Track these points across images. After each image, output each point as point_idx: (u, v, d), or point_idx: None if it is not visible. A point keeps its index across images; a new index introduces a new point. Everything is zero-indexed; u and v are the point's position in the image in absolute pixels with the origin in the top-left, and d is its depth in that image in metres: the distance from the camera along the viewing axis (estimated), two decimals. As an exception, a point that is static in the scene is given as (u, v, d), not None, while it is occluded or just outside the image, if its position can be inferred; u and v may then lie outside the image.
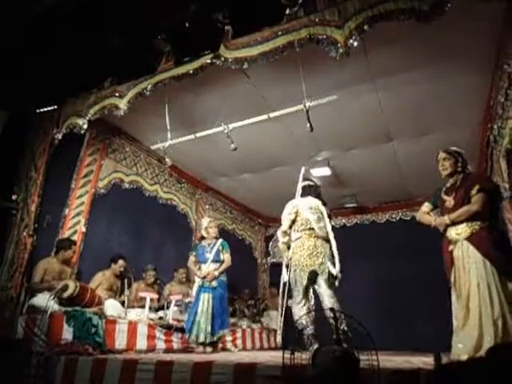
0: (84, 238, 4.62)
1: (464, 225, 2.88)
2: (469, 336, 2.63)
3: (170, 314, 4.63)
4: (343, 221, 8.22)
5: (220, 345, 4.82)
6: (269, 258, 8.74)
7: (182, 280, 5.50)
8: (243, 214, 8.26)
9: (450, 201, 3.02)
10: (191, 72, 3.59)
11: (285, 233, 4.06)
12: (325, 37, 3.05)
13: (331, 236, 4.02)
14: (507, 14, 3.04)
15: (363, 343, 1.87)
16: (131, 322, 4.04)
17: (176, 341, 4.49)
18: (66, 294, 3.56)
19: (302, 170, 4.54)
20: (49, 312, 3.29)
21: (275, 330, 6.71)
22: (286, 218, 4.15)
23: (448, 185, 3.08)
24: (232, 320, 5.78)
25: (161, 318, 4.64)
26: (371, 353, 1.80)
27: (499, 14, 3.14)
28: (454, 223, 2.94)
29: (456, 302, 2.96)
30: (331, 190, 7.07)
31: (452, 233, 2.95)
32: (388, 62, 3.84)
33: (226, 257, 4.89)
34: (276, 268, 8.71)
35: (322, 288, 3.76)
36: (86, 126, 4.17)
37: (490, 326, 2.56)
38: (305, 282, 3.75)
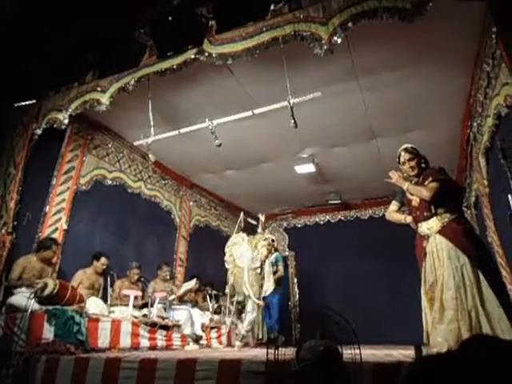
0: (65, 235, 4.52)
1: (434, 219, 2.94)
2: (447, 330, 2.68)
3: (155, 312, 4.60)
4: (327, 217, 8.31)
5: (205, 342, 4.92)
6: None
7: (166, 277, 5.45)
8: (228, 211, 8.25)
9: (415, 199, 3.07)
10: (175, 67, 3.55)
11: None
12: (309, 33, 3.06)
13: None
14: (486, 15, 3.09)
15: (346, 337, 1.90)
16: (114, 320, 3.99)
17: (160, 338, 4.46)
18: (45, 293, 3.49)
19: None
20: (29, 311, 3.21)
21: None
22: None
23: (413, 183, 3.12)
24: (216, 317, 5.77)
25: (145, 315, 4.60)
26: (354, 347, 1.82)
27: (478, 14, 3.20)
28: (424, 219, 2.99)
29: (424, 297, 3.01)
30: (315, 186, 7.14)
31: (424, 228, 3.00)
32: (371, 61, 3.88)
33: (280, 269, 5.66)
34: (261, 265, 8.74)
35: None
36: (66, 121, 4.09)
37: (465, 318, 2.62)
38: None
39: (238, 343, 4.64)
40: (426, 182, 2.98)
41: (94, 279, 4.57)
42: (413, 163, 3.13)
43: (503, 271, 4.03)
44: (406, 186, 3.05)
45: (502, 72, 3.19)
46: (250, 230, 5.32)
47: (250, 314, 4.75)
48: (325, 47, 3.00)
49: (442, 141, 5.24)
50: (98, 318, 3.85)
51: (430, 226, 2.97)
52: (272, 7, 3.24)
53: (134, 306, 4.55)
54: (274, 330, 5.39)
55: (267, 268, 4.89)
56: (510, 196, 2.89)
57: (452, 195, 3.00)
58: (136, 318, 4.34)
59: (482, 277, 2.71)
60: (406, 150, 3.20)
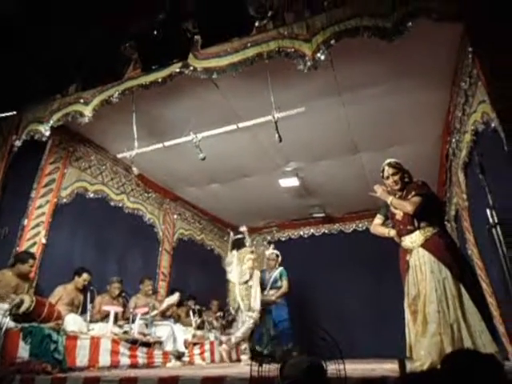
0: (44, 249, 4.40)
1: (417, 232, 2.99)
2: (431, 343, 2.69)
3: (136, 328, 4.48)
4: (311, 230, 8.33)
5: (188, 358, 4.86)
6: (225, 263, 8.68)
7: (148, 292, 5.34)
8: (212, 224, 8.19)
9: (398, 213, 3.12)
10: (160, 80, 3.55)
11: None
12: (293, 50, 3.11)
13: None
14: (463, 35, 3.21)
15: (331, 353, 1.88)
16: (94, 337, 3.87)
17: (141, 355, 4.34)
18: (21, 310, 3.36)
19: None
20: (3, 329, 3.09)
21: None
22: None
23: (396, 197, 3.17)
24: (199, 332, 5.68)
25: (125, 332, 4.47)
26: (338, 362, 1.81)
27: (456, 34, 3.32)
28: (407, 233, 3.03)
29: (407, 311, 3.03)
30: (300, 200, 7.17)
31: (407, 242, 3.04)
32: (354, 77, 3.96)
33: (284, 284, 5.69)
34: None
35: None
36: (48, 133, 4.02)
37: (448, 331, 2.64)
38: None
39: (243, 357, 4.76)
40: (409, 196, 3.04)
41: (74, 295, 4.44)
42: (396, 178, 3.18)
43: (483, 283, 4.10)
44: (390, 199, 3.09)
45: (479, 90, 3.31)
46: (242, 246, 5.35)
47: (242, 327, 4.79)
48: (308, 63, 3.05)
49: (423, 155, 5.36)
50: (76, 335, 3.73)
51: (413, 240, 3.01)
52: (257, 23, 3.29)
53: (115, 323, 4.43)
54: (286, 342, 5.36)
55: (255, 281, 4.88)
56: (488, 210, 2.95)
57: (434, 209, 3.06)
58: (116, 334, 4.22)
59: (463, 290, 2.75)
60: (389, 164, 3.26)
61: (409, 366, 2.57)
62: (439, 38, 3.36)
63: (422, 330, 2.78)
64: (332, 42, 3.00)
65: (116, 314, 4.52)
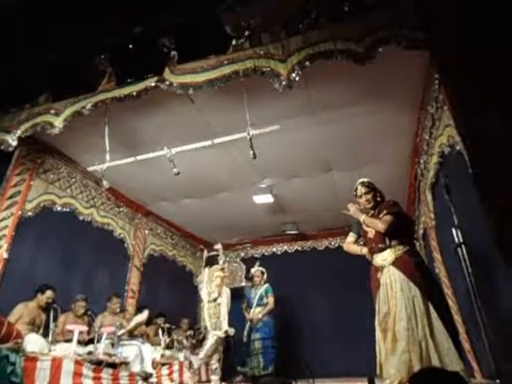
0: (5, 265, 4.18)
1: (388, 251, 3.06)
2: (400, 361, 2.72)
3: (101, 348, 4.29)
4: (285, 247, 8.35)
5: (155, 379, 4.69)
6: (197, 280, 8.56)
7: (116, 310, 5.15)
8: (185, 240, 8.06)
9: (370, 231, 3.19)
10: (135, 94, 3.51)
11: None
12: (269, 69, 3.16)
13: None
14: (430, 61, 3.38)
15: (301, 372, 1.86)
16: (55, 358, 3.67)
17: (106, 377, 4.13)
18: (-23, 330, 3.16)
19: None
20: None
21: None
22: None
23: (369, 215, 3.24)
24: (168, 352, 5.51)
25: (90, 352, 4.27)
26: (309, 382, 1.79)
27: (425, 60, 3.48)
28: (379, 251, 3.10)
29: (377, 328, 3.06)
30: (273, 217, 7.19)
31: (378, 260, 3.10)
32: (327, 97, 4.06)
33: (270, 300, 5.68)
34: (217, 296, 8.53)
35: None
36: (15, 144, 3.87)
37: (416, 348, 2.68)
38: None
39: (214, 377, 4.67)
40: (381, 215, 3.11)
41: (35, 314, 4.21)
42: (369, 196, 3.27)
43: (449, 301, 4.20)
44: (362, 218, 3.16)
45: (445, 114, 3.46)
46: (215, 263, 5.32)
47: (204, 348, 4.61)
48: (283, 83, 3.11)
49: (393, 175, 5.52)
50: (36, 356, 3.52)
51: (384, 258, 3.07)
52: (234, 42, 3.33)
53: (79, 343, 4.23)
54: (269, 361, 5.33)
55: (224, 300, 4.83)
56: (453, 229, 3.06)
57: (405, 228, 3.14)
58: (80, 355, 4.02)
59: (431, 308, 2.81)
60: (362, 183, 3.35)
61: (379, 385, 2.58)
62: (409, 63, 3.51)
63: (392, 348, 2.81)
64: (306, 63, 3.07)
65: (80, 334, 4.32)
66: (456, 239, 2.96)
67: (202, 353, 4.75)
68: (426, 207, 4.99)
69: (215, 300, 4.84)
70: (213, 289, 4.83)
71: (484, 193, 1.96)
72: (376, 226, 3.07)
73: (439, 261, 4.78)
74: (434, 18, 2.33)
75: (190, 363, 5.07)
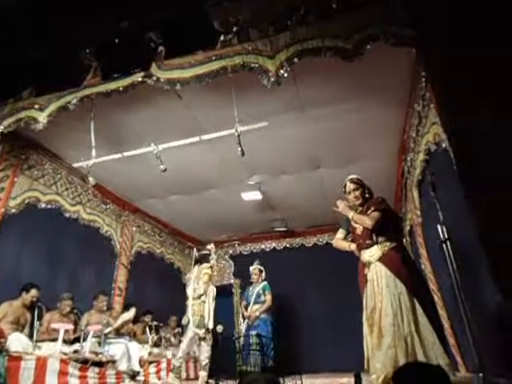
0: (-12, 263, 4.10)
1: (375, 247, 3.09)
2: (386, 356, 2.75)
3: (87, 347, 4.24)
4: (273, 244, 8.37)
5: (143, 378, 4.66)
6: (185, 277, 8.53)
7: (102, 308, 5.09)
8: (173, 237, 8.01)
9: (359, 227, 3.22)
10: (121, 89, 3.46)
11: None
12: (257, 65, 3.15)
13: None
14: (417, 59, 3.40)
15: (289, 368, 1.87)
16: (40, 357, 3.61)
17: (92, 376, 4.10)
18: (-41, 329, 3.09)
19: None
20: None
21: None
22: None
23: (357, 212, 3.27)
24: (156, 350, 5.48)
25: (76, 351, 4.22)
26: (296, 378, 1.79)
27: (412, 57, 3.51)
28: (366, 247, 3.13)
29: (365, 324, 3.10)
30: (262, 213, 7.20)
31: (366, 256, 3.13)
32: (316, 94, 4.07)
33: (268, 298, 5.74)
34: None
35: None
36: (-3, 139, 3.79)
37: (402, 343, 2.72)
38: None
39: (202, 373, 4.62)
40: (369, 212, 3.14)
41: (20, 313, 4.14)
42: (357, 193, 3.30)
43: (435, 296, 4.26)
44: (351, 214, 3.18)
45: (431, 112, 3.50)
46: (205, 262, 5.27)
47: (184, 343, 4.71)
48: (272, 79, 3.10)
49: (380, 172, 5.56)
50: (20, 356, 3.46)
51: (371, 254, 3.10)
52: (222, 38, 3.31)
53: (65, 341, 4.17)
54: (270, 358, 5.36)
55: (210, 298, 4.84)
56: (439, 226, 3.10)
57: (392, 225, 3.17)
58: (65, 354, 3.97)
59: (417, 304, 2.84)
60: (351, 180, 3.38)
61: (367, 379, 2.60)
62: (397, 60, 3.53)
63: (377, 343, 2.84)
64: (295, 59, 3.07)
65: (66, 332, 4.26)
66: (441, 235, 3.00)
67: (180, 351, 4.72)
68: (413, 204, 5.05)
69: (200, 297, 4.82)
70: (199, 285, 4.81)
71: (469, 189, 1.99)
72: (364, 222, 3.09)
73: (425, 257, 4.85)
74: (421, 16, 2.34)
75: (169, 364, 5.07)
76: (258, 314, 5.64)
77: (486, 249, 1.75)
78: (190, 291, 4.94)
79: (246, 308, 5.92)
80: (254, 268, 6.19)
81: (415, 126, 4.13)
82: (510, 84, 1.83)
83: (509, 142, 1.82)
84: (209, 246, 5.39)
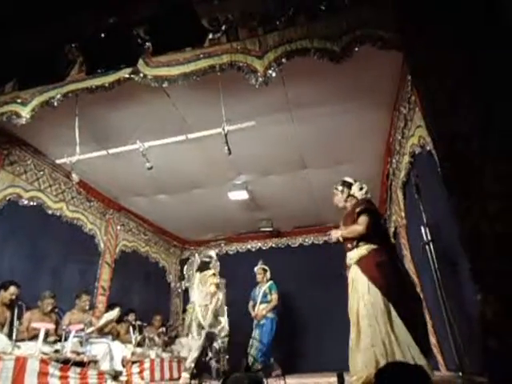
0: (-34, 260, 3.99)
1: (355, 250, 3.16)
2: (365, 357, 2.79)
3: (69, 347, 4.16)
4: (259, 244, 8.36)
5: (125, 378, 4.62)
6: (183, 282, 8.46)
7: (85, 308, 5.01)
8: (158, 236, 7.94)
9: (344, 229, 3.29)
10: (107, 85, 3.41)
11: None
12: (245, 65, 3.15)
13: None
14: (404, 63, 3.45)
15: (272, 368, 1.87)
16: (19, 357, 3.53)
17: (74, 376, 4.02)
18: None
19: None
20: None
21: (186, 359, 6.47)
22: None
23: (345, 213, 3.36)
24: (139, 350, 5.42)
25: (57, 351, 4.14)
26: (279, 378, 1.79)
27: (399, 61, 3.55)
28: (349, 250, 3.20)
29: (351, 324, 3.15)
30: (248, 213, 7.19)
31: (347, 258, 3.21)
32: (304, 95, 4.08)
33: (274, 297, 5.99)
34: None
35: None
36: (-23, 134, 3.69)
37: (380, 344, 2.76)
38: None
39: (184, 374, 4.56)
40: (355, 215, 3.19)
41: (-1, 312, 4.05)
42: (344, 195, 3.39)
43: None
44: (339, 234, 3.26)
45: (416, 115, 3.55)
46: (206, 268, 5.32)
47: (199, 345, 4.75)
48: (260, 79, 3.11)
49: (366, 174, 5.59)
50: (-2, 356, 3.38)
51: (351, 257, 3.18)
52: (210, 36, 3.29)
53: (46, 341, 4.09)
54: (267, 356, 5.60)
55: (213, 304, 4.92)
56: (422, 228, 3.15)
57: (374, 226, 3.21)
58: (46, 354, 3.89)
59: (391, 307, 2.89)
60: (341, 181, 3.47)
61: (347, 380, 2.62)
62: (384, 63, 3.57)
63: (356, 344, 2.89)
64: (283, 60, 3.08)
65: (47, 332, 4.18)
66: (424, 237, 3.05)
67: (195, 352, 4.71)
68: (397, 206, 5.12)
69: (206, 305, 4.90)
70: (207, 294, 4.89)
71: (452, 192, 2.02)
72: (354, 231, 3.15)
73: (408, 259, 4.91)
74: (408, 20, 2.37)
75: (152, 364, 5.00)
76: (264, 312, 5.87)
77: (466, 249, 1.78)
78: (195, 297, 5.04)
79: (253, 307, 6.12)
80: (258, 268, 6.40)
81: (401, 128, 4.18)
82: (491, 88, 1.87)
83: (491, 143, 1.85)
84: (211, 253, 5.56)
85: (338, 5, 2.99)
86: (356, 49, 2.95)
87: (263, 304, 6.03)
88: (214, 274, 5.10)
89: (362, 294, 2.97)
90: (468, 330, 2.95)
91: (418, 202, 3.27)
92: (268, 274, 6.35)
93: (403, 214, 4.93)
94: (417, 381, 0.83)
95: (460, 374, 2.73)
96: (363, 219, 3.14)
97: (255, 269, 6.44)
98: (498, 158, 1.91)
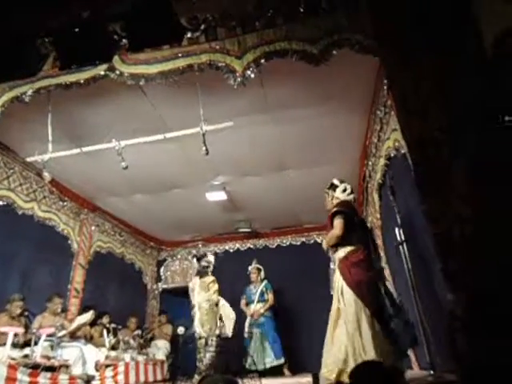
0: None
1: (336, 253, 3.22)
2: (335, 356, 2.85)
3: (39, 351, 4.02)
4: (237, 245, 8.33)
5: (99, 382, 4.51)
6: (160, 284, 8.35)
7: (57, 311, 4.85)
8: (134, 237, 7.79)
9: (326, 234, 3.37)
10: (82, 82, 3.34)
11: None
12: (224, 64, 3.14)
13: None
14: (380, 67, 3.51)
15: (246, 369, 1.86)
16: (-15, 363, 3.39)
17: (44, 382, 3.89)
18: None
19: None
20: None
21: (162, 362, 6.38)
22: None
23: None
24: (114, 353, 5.31)
25: (26, 355, 3.99)
26: (254, 378, 1.79)
27: (375, 65, 3.62)
28: (333, 253, 3.28)
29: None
30: (226, 214, 7.16)
31: (332, 262, 3.29)
32: (283, 97, 4.09)
33: (270, 297, 6.15)
34: (167, 294, 8.34)
35: None
36: None
37: (351, 345, 2.81)
38: None
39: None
40: (333, 218, 3.25)
41: (-37, 316, 3.87)
42: (328, 198, 3.46)
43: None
44: (325, 244, 3.35)
45: (392, 119, 3.62)
46: (205, 273, 5.46)
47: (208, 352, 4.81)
48: (238, 79, 3.10)
49: (343, 176, 5.59)
50: (-37, 361, 3.24)
51: (334, 260, 3.25)
52: (189, 35, 3.26)
53: (14, 346, 3.94)
54: (278, 354, 5.80)
55: (225, 309, 5.20)
56: (396, 229, 3.22)
57: (350, 226, 3.26)
58: (14, 359, 3.75)
59: (363, 306, 2.95)
60: (329, 184, 3.58)
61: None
62: (361, 67, 3.61)
63: (331, 341, 2.95)
64: (262, 61, 3.09)
65: (16, 336, 4.02)
66: (398, 237, 3.11)
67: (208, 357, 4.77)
68: (373, 208, 5.21)
69: (213, 309, 5.08)
70: (211, 300, 5.05)
71: (424, 195, 2.06)
72: (333, 236, 3.21)
73: (384, 259, 5.00)
74: (383, 25, 2.42)
75: (127, 367, 5.00)
76: (262, 311, 6.02)
77: (439, 251, 1.82)
78: (198, 300, 5.11)
79: (247, 305, 6.24)
80: (253, 267, 6.53)
81: (377, 131, 4.26)
82: (463, 93, 1.92)
83: (462, 148, 1.91)
84: (209, 257, 5.65)
85: (316, 8, 3.02)
86: (334, 52, 2.99)
87: (260, 303, 6.17)
88: (213, 281, 5.26)
89: (339, 294, 3.03)
90: (440, 329, 3.03)
91: (393, 204, 3.34)
92: (262, 274, 6.50)
93: (378, 216, 5.02)
94: (388, 380, 0.85)
95: (431, 372, 2.80)
96: (336, 222, 3.21)
97: (249, 268, 6.58)
98: (469, 162, 1.97)
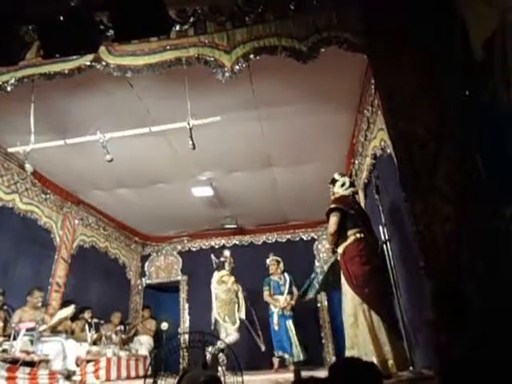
0: None
1: (338, 249, 3.30)
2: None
3: (18, 346, 3.95)
4: (223, 241, 8.31)
5: (79, 377, 4.45)
6: (144, 279, 8.29)
7: (37, 305, 4.77)
8: (118, 231, 7.70)
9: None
10: (66, 72, 3.26)
11: None
12: (213, 59, 3.11)
13: None
14: (368, 66, 3.53)
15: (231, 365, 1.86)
16: (-39, 358, 3.31)
17: (22, 377, 3.82)
18: None
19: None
20: None
21: (145, 357, 6.34)
22: None
23: None
24: (95, 348, 5.25)
25: (4, 350, 3.92)
26: (237, 374, 1.79)
27: (363, 64, 3.64)
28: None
29: None
30: (212, 210, 7.14)
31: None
32: (271, 93, 4.09)
33: (295, 289, 6.00)
34: (151, 290, 8.28)
35: None
36: None
37: (349, 336, 2.88)
38: None
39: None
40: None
41: None
42: (330, 192, 3.52)
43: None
44: (327, 244, 3.47)
45: (379, 118, 3.66)
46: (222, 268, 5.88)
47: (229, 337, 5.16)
48: (227, 74, 3.08)
49: (330, 174, 5.69)
50: None
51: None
52: (177, 28, 3.22)
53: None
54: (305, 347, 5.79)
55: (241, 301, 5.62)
56: (380, 227, 3.25)
57: (345, 221, 3.31)
58: (-8, 354, 3.68)
59: (360, 300, 3.00)
60: (331, 179, 3.71)
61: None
62: (350, 66, 3.63)
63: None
64: (251, 56, 3.07)
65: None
66: (382, 236, 3.15)
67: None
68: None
69: (231, 300, 5.51)
70: (228, 291, 5.52)
71: (408, 193, 2.09)
72: (328, 235, 3.31)
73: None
74: (372, 25, 2.43)
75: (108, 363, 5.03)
76: (293, 303, 5.93)
77: (420, 248, 1.86)
78: (218, 293, 5.53)
79: (272, 297, 6.06)
80: (271, 260, 6.42)
81: (364, 131, 4.29)
82: (448, 94, 1.96)
83: (444, 148, 1.94)
84: (225, 253, 5.98)
85: (306, 5, 3.02)
86: (322, 49, 2.99)
87: (290, 294, 6.02)
88: (227, 275, 5.66)
89: (343, 289, 3.17)
90: (419, 325, 3.08)
91: (378, 203, 3.37)
92: (281, 265, 6.37)
93: (364, 214, 5.06)
94: (367, 376, 0.86)
95: (410, 368, 2.84)
96: (330, 220, 3.27)
97: (267, 261, 6.46)
98: (451, 162, 2.01)
